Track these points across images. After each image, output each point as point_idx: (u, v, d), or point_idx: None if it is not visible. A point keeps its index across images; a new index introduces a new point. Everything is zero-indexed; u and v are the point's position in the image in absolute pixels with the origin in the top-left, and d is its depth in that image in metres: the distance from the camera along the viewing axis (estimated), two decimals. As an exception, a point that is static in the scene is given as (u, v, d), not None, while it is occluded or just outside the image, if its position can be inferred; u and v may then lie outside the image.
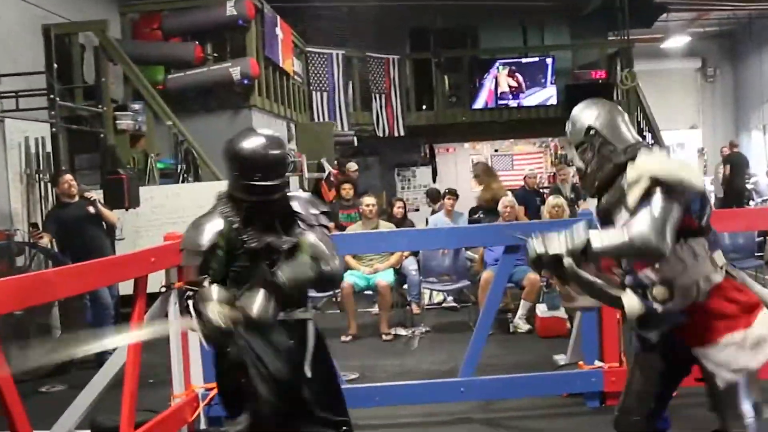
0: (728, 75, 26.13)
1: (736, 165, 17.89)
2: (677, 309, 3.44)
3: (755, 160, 20.92)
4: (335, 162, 14.85)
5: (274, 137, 3.80)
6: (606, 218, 3.62)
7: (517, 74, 18.67)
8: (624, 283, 3.61)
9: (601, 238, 3.36)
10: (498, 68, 18.71)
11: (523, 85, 18.65)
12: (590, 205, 9.76)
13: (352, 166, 14.30)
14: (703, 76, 26.18)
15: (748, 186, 18.70)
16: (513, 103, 18.74)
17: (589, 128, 3.63)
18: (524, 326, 8.75)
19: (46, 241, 8.28)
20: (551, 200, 9.86)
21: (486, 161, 17.29)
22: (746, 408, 3.39)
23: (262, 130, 3.81)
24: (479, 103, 18.71)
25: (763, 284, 3.77)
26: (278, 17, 13.61)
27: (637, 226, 3.27)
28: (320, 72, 16.40)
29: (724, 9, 21.91)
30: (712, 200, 9.84)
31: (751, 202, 17.32)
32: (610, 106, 3.76)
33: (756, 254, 9.81)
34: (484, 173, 11.91)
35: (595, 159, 3.61)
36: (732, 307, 3.41)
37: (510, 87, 18.68)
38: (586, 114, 3.70)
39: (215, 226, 3.68)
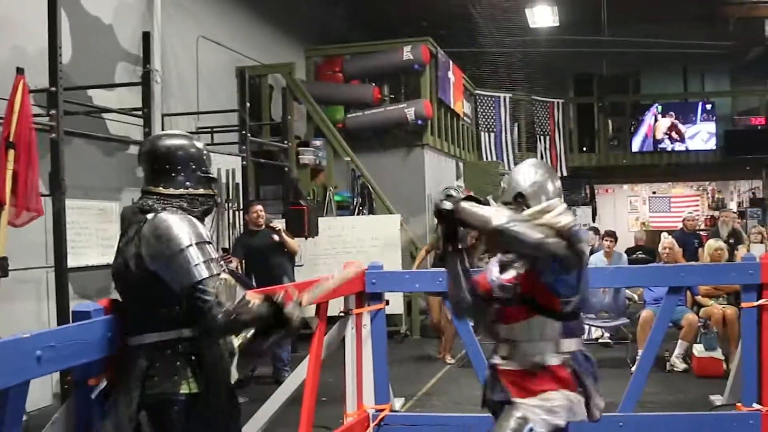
0: None
1: None
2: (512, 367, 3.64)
3: None
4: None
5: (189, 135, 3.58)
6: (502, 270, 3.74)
7: (676, 120, 18.51)
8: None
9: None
10: (657, 108, 18.66)
11: (682, 130, 18.45)
12: (754, 251, 9.24)
13: None
14: None
15: None
16: (673, 147, 18.56)
17: (519, 194, 3.65)
18: (681, 365, 8.45)
19: (234, 264, 8.28)
20: (712, 243, 9.55)
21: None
22: None
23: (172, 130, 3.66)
24: (636, 146, 18.62)
25: None
26: (451, 62, 13.73)
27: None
28: (488, 114, 16.59)
29: None
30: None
31: None
32: (546, 173, 3.78)
33: None
34: None
35: None
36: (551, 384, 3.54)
37: (668, 133, 18.46)
38: (521, 177, 3.73)
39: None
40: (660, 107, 18.51)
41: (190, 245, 3.03)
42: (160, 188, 3.21)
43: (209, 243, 3.13)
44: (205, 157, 3.36)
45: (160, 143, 3.34)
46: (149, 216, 3.12)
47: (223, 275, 3.07)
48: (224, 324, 3.00)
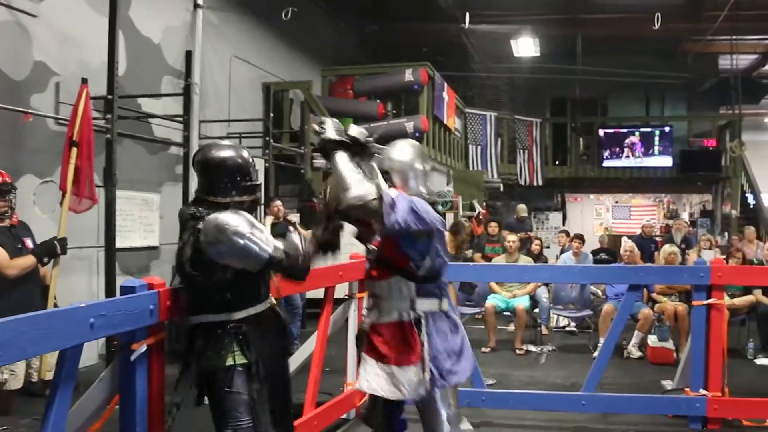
0: (826, 148, 24.59)
1: None
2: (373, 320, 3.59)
3: None
4: (484, 204, 14.74)
5: (237, 145, 3.57)
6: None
7: (640, 140, 18.33)
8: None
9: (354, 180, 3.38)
10: (624, 133, 18.47)
11: (644, 149, 18.29)
12: (705, 256, 9.30)
13: (523, 209, 13.99)
14: (802, 148, 24.74)
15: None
16: (636, 164, 18.33)
17: (385, 171, 3.60)
18: (636, 353, 8.32)
19: None
20: (667, 248, 9.34)
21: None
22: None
23: (223, 141, 3.62)
24: (606, 162, 18.44)
25: None
26: (445, 83, 13.72)
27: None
28: (476, 129, 16.51)
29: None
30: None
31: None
32: (413, 155, 3.69)
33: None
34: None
35: None
36: (403, 346, 3.48)
37: (633, 151, 18.31)
38: (389, 154, 3.67)
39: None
40: (626, 132, 18.42)
41: (249, 234, 3.15)
42: (211, 198, 3.30)
43: (256, 224, 3.23)
44: (250, 167, 3.41)
45: (212, 155, 3.38)
46: (201, 223, 3.20)
47: (276, 242, 3.26)
48: (303, 264, 3.32)
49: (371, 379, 3.52)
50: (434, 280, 3.58)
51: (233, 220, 3.17)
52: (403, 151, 3.69)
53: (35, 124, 6.81)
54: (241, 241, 3.13)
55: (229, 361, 3.26)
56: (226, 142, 3.62)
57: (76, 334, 2.91)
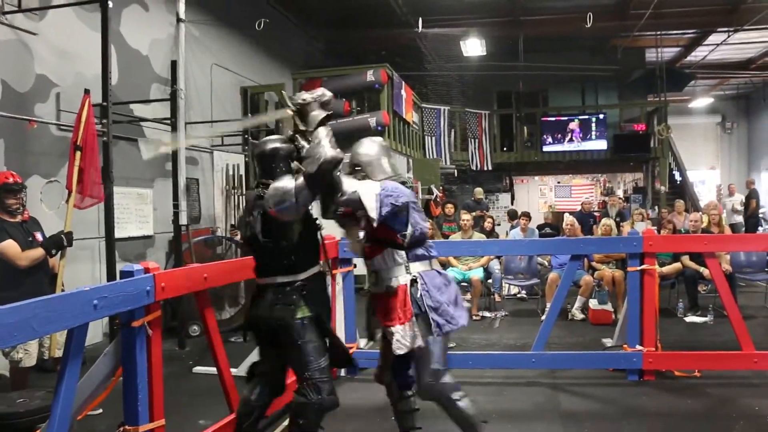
0: (743, 128, 25.18)
1: (755, 199, 16.31)
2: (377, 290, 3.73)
3: (764, 196, 19.81)
4: (440, 187, 14.69)
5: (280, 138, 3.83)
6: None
7: (577, 126, 18.32)
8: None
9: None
10: (564, 121, 18.42)
11: (582, 134, 18.27)
12: (637, 227, 9.54)
13: (480, 192, 14.07)
14: (722, 129, 25.31)
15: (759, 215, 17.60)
16: (573, 147, 18.31)
17: (356, 165, 3.78)
18: (579, 315, 8.43)
19: (239, 236, 8.36)
20: (603, 221, 9.52)
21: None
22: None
23: (269, 137, 3.85)
24: (547, 147, 18.40)
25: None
26: (403, 82, 13.65)
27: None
28: (431, 122, 16.37)
29: (742, 76, 21.22)
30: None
31: (760, 228, 16.36)
32: (378, 149, 3.84)
33: (766, 269, 9.15)
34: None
35: None
36: (402, 306, 3.59)
37: (571, 136, 18.34)
38: (358, 151, 3.83)
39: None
40: (565, 120, 18.25)
41: (294, 180, 3.47)
42: (269, 180, 3.59)
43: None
44: (293, 153, 3.67)
45: (263, 148, 3.69)
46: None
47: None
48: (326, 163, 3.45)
49: (394, 340, 3.61)
50: (421, 244, 3.71)
51: (278, 182, 3.51)
52: (369, 147, 3.83)
53: (39, 130, 6.82)
54: (292, 183, 3.45)
55: (299, 315, 3.53)
56: (273, 136, 3.82)
57: (81, 314, 2.96)
